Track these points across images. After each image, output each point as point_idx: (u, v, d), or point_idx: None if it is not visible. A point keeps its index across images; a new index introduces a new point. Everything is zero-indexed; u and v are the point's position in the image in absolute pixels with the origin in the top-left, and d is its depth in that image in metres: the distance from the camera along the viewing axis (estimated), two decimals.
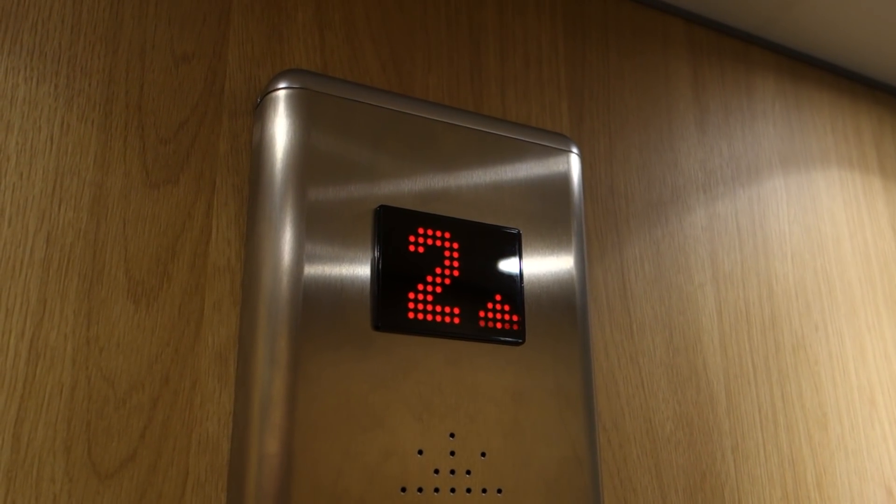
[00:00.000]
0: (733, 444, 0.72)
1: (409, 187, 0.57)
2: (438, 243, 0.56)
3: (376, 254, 0.54)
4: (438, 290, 0.55)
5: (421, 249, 0.55)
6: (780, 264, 0.83)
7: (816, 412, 0.79)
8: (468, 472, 0.53)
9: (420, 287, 0.55)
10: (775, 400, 0.76)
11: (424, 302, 0.54)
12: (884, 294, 0.91)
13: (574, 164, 0.66)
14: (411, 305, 0.54)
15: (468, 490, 0.53)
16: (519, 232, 0.60)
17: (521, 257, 0.60)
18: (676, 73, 0.83)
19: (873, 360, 0.86)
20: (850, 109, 0.98)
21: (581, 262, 0.63)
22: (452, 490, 0.52)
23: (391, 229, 0.55)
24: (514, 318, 0.58)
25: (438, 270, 0.56)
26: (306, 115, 0.55)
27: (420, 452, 0.52)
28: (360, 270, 0.53)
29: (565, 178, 0.65)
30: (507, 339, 0.57)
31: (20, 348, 0.46)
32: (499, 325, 0.57)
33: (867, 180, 0.96)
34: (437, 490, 0.52)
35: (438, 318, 0.55)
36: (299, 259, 0.51)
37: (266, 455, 0.47)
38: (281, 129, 0.54)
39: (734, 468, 0.71)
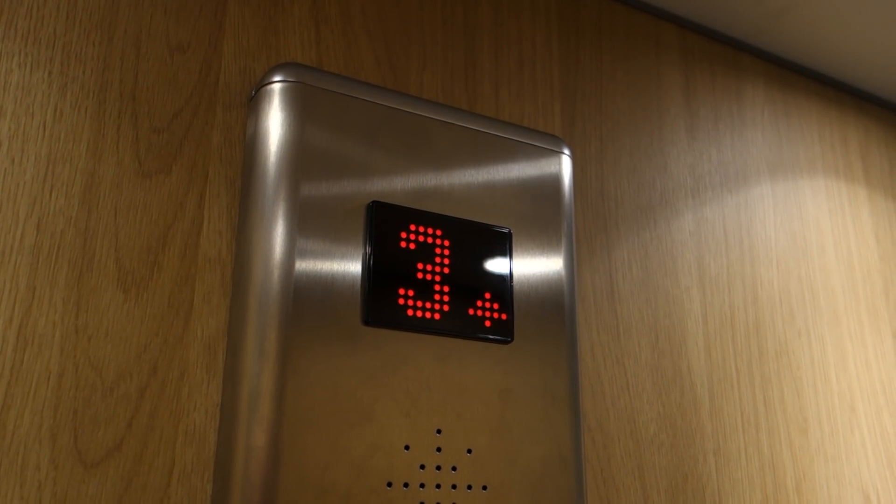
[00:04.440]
0: (715, 446, 0.73)
1: (402, 184, 0.57)
2: (430, 240, 0.56)
3: (368, 249, 0.54)
4: (428, 286, 0.55)
5: (412, 246, 0.56)
6: (766, 270, 0.84)
7: (797, 417, 0.80)
8: (454, 469, 0.53)
9: (410, 283, 0.55)
10: (757, 404, 0.77)
11: (414, 298, 0.55)
12: (866, 302, 0.92)
13: (565, 165, 0.66)
14: (401, 301, 0.54)
15: (453, 486, 0.53)
16: (510, 231, 0.60)
17: (511, 256, 0.60)
18: (668, 78, 0.84)
19: (854, 367, 0.87)
20: (837, 119, 0.99)
21: (570, 263, 0.64)
22: (438, 486, 0.52)
23: (383, 225, 0.55)
24: (503, 316, 0.58)
25: (429, 267, 0.56)
26: (301, 109, 0.55)
27: (407, 448, 0.52)
28: (352, 265, 0.53)
29: (556, 180, 0.65)
30: (496, 337, 0.57)
31: (8, 335, 0.45)
32: (487, 324, 0.57)
33: (852, 190, 0.97)
34: (422, 485, 0.52)
35: (428, 315, 0.55)
36: (291, 252, 0.51)
37: (253, 447, 0.47)
38: (275, 123, 0.54)
39: (715, 471, 0.72)
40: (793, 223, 0.88)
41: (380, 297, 0.53)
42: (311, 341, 0.50)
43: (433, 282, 0.56)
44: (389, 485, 0.51)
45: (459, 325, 0.56)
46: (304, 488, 0.48)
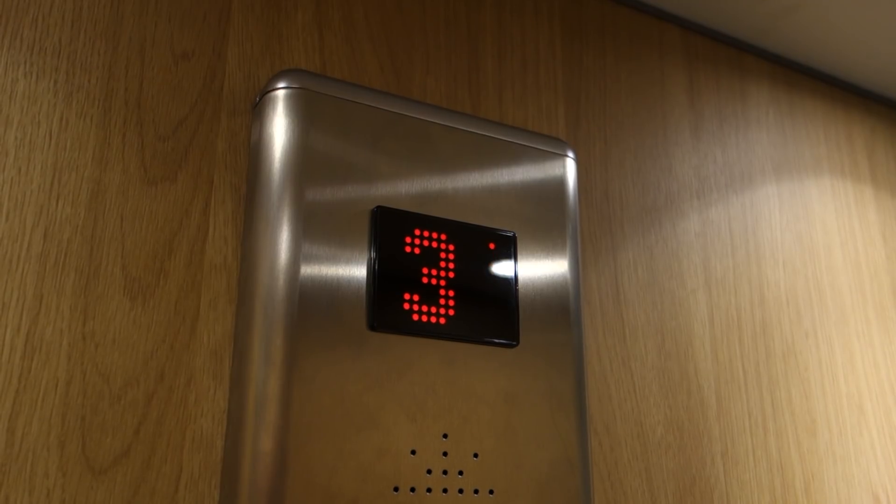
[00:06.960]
0: (723, 449, 0.72)
1: (406, 189, 0.57)
2: (434, 245, 0.57)
3: (373, 254, 0.54)
4: (434, 291, 0.55)
5: (417, 251, 0.56)
6: (772, 271, 0.83)
7: (805, 418, 0.80)
8: (460, 473, 0.53)
9: (416, 288, 0.55)
10: (765, 406, 0.77)
11: (420, 303, 0.55)
12: (873, 302, 0.91)
13: (570, 168, 0.66)
14: (406, 306, 0.54)
15: (460, 490, 0.53)
16: (514, 235, 0.60)
17: (516, 260, 0.60)
18: (672, 80, 0.83)
19: (862, 368, 0.87)
20: (842, 119, 0.99)
21: (575, 265, 0.64)
22: (445, 490, 0.52)
23: (388, 230, 0.55)
24: (509, 320, 0.58)
25: (434, 272, 0.56)
26: (305, 115, 0.55)
27: (413, 452, 0.52)
28: (357, 270, 0.53)
29: (561, 182, 0.65)
30: (501, 341, 0.57)
31: (16, 343, 0.46)
32: (493, 327, 0.57)
33: (858, 189, 0.96)
34: (429, 490, 0.52)
35: (433, 320, 0.55)
36: (296, 258, 0.51)
37: (260, 453, 0.47)
38: (279, 129, 0.54)
39: (723, 473, 0.71)
40: (799, 223, 0.88)
41: (385, 302, 0.53)
42: (317, 347, 0.50)
43: (438, 286, 0.56)
44: (396, 489, 0.51)
45: (465, 330, 0.56)
46: (310, 493, 0.48)
